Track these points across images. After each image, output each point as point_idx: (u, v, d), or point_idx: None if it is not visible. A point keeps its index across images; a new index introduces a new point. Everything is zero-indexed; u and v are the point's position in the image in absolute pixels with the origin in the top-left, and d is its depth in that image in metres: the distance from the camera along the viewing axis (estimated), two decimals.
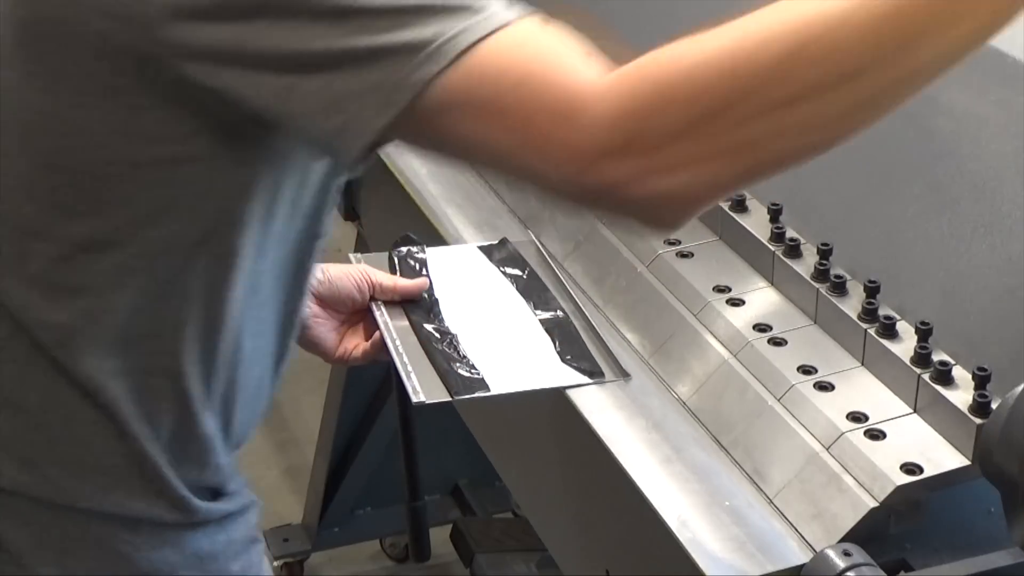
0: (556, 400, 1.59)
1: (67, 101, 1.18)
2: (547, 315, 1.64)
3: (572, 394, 1.58)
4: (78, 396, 1.27)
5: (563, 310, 1.64)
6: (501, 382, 1.53)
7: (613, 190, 1.06)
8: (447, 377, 1.51)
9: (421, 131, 1.10)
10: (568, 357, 1.57)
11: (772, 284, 1.66)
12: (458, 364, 1.53)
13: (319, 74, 1.09)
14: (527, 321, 1.64)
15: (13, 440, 1.31)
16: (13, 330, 1.27)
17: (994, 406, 1.33)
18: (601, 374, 1.55)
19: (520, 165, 1.09)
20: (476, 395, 1.50)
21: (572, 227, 1.84)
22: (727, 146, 1.04)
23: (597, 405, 1.58)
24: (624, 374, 1.55)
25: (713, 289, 1.66)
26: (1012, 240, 1.46)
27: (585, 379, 1.55)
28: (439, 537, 2.73)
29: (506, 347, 1.59)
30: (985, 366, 1.38)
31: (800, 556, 1.37)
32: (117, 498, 1.31)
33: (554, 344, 1.59)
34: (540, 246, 1.76)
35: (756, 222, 1.70)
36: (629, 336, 1.68)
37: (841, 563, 1.31)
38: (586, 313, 1.62)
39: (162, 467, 1.31)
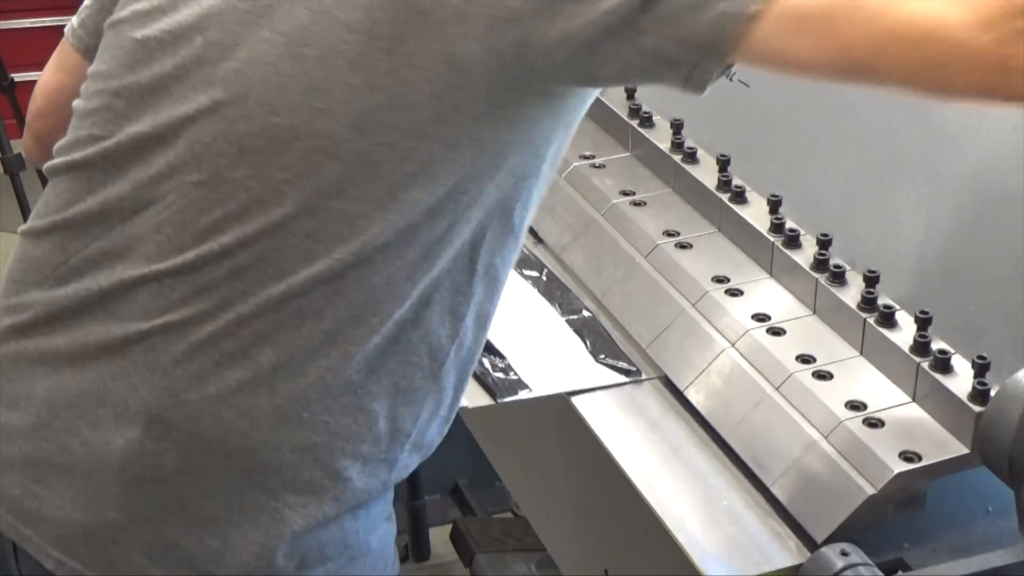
0: (555, 401, 1.59)
1: None
2: (573, 316, 1.65)
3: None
4: None
5: (588, 310, 1.65)
6: (541, 384, 1.52)
7: None
8: (484, 380, 1.50)
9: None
10: (602, 356, 1.57)
11: (771, 275, 1.65)
12: (493, 367, 1.52)
13: None
14: (554, 322, 1.64)
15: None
16: None
17: (993, 394, 1.32)
18: (638, 372, 1.56)
19: None
20: (519, 396, 1.49)
21: (570, 218, 1.84)
22: None
23: (596, 405, 1.57)
24: (659, 370, 1.55)
25: (712, 279, 1.65)
26: (1011, 230, 1.45)
27: (622, 378, 1.56)
28: (439, 537, 2.72)
29: (538, 349, 1.59)
30: (984, 354, 1.37)
31: (798, 556, 1.37)
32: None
33: (585, 344, 1.59)
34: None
35: (755, 213, 1.69)
36: (627, 326, 1.67)
37: (838, 563, 1.30)
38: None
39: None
